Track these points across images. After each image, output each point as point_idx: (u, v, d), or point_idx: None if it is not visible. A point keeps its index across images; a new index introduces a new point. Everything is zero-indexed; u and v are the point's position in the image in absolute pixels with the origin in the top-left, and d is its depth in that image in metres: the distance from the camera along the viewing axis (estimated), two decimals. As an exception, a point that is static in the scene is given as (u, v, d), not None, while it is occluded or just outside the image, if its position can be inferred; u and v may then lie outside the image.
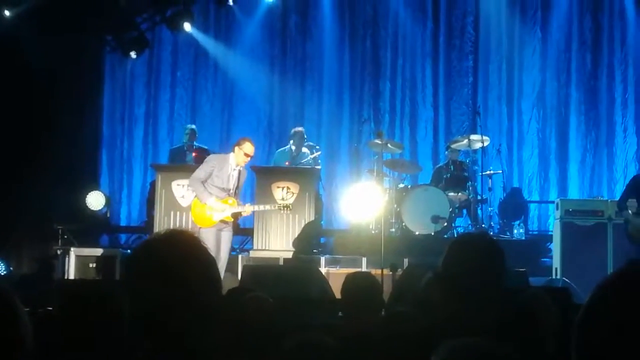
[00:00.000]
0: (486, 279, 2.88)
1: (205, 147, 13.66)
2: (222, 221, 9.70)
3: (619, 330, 1.49)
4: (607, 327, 1.53)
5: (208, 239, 9.34)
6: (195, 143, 13.46)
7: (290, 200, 11.64)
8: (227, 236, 9.79)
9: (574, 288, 9.64)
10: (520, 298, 4.20)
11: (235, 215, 9.88)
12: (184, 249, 2.08)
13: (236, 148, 9.82)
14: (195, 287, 2.02)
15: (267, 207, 10.59)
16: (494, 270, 2.93)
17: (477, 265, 2.91)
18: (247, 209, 10.02)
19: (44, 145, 13.02)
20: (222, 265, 9.43)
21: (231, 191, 9.79)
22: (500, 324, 2.91)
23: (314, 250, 11.69)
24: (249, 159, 9.93)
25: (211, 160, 9.94)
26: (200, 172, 9.79)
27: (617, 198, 11.51)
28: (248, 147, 9.82)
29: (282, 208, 10.43)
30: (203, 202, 9.65)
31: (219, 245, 9.62)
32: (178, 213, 11.96)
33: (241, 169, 9.91)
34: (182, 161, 13.14)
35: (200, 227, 9.59)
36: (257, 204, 10.66)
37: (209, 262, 2.11)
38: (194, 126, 13.83)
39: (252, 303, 3.57)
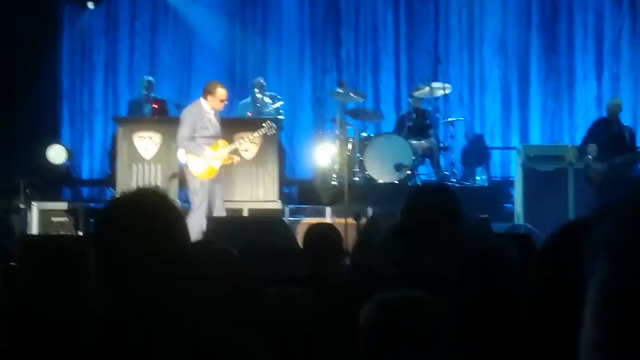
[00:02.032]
0: (443, 229, 2.91)
1: (164, 99, 13.58)
2: (223, 164, 9.83)
3: (568, 275, 1.52)
4: (558, 270, 1.56)
5: (204, 193, 9.61)
6: (152, 94, 13.37)
7: (254, 150, 11.62)
8: (220, 188, 9.95)
9: (536, 233, 9.76)
10: (480, 246, 4.26)
11: (232, 155, 9.91)
12: (152, 206, 2.09)
13: (209, 96, 9.78)
14: (162, 243, 2.03)
15: (256, 133, 10.55)
16: (451, 219, 2.96)
17: (433, 216, 2.94)
18: (241, 144, 10.08)
19: (2, 98, 12.85)
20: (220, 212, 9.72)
21: (217, 135, 9.87)
22: (459, 272, 2.94)
23: None
24: (225, 103, 10.01)
25: (188, 114, 9.90)
26: (184, 129, 9.75)
27: (578, 143, 11.63)
28: (222, 93, 9.84)
29: (268, 129, 10.43)
30: (200, 155, 9.67)
31: (214, 197, 9.76)
32: (140, 165, 11.89)
33: (215, 112, 9.92)
34: (141, 113, 13.06)
35: (203, 180, 9.66)
36: (245, 135, 10.61)
37: (177, 219, 2.12)
38: (150, 78, 13.74)
39: (215, 255, 3.58)
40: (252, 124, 11.72)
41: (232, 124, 11.98)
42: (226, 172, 11.61)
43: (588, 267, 0.68)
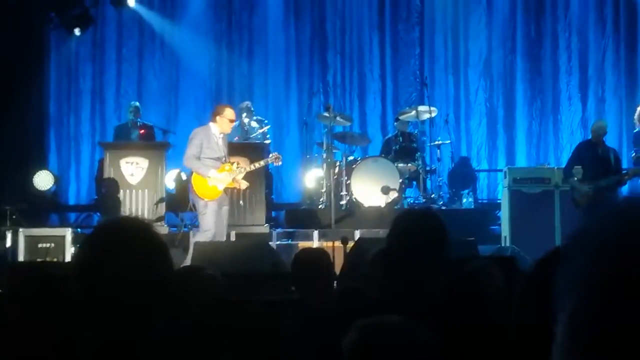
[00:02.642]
0: (429, 254, 2.93)
1: (151, 124, 13.59)
2: (226, 188, 9.85)
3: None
4: (545, 298, 1.58)
5: (211, 214, 9.58)
6: (139, 119, 13.38)
7: (241, 175, 11.62)
8: (226, 210, 9.98)
9: (523, 255, 9.79)
10: (464, 270, 4.28)
11: (237, 180, 9.94)
12: (133, 237, 2.09)
13: (217, 117, 9.81)
14: (143, 274, 2.03)
15: (262, 162, 10.58)
16: (437, 245, 2.98)
17: (419, 240, 2.95)
18: (249, 168, 10.13)
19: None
20: (221, 236, 9.78)
21: (224, 159, 9.87)
22: (443, 297, 2.96)
23: None
24: (233, 124, 10.10)
25: (197, 135, 9.92)
26: (192, 148, 9.77)
27: (564, 165, 11.69)
28: (230, 113, 9.94)
29: (274, 160, 10.48)
30: (205, 176, 9.66)
31: (221, 220, 9.80)
32: (127, 191, 11.89)
33: (224, 136, 9.95)
34: (128, 139, 13.06)
35: (207, 201, 9.64)
36: (251, 163, 10.64)
37: (160, 249, 2.12)
38: (137, 103, 13.74)
39: (202, 282, 3.58)
40: (239, 148, 11.74)
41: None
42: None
43: (556, 302, 0.70)
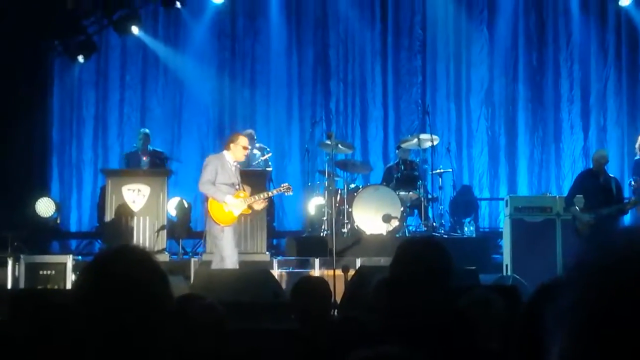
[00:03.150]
0: (433, 284, 2.92)
1: (161, 151, 13.59)
2: (241, 214, 9.84)
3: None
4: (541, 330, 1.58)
5: (228, 239, 9.59)
6: (149, 146, 13.37)
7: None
8: (237, 238, 10.03)
9: (524, 284, 9.77)
10: (465, 299, 4.27)
11: (251, 206, 9.94)
12: (132, 266, 2.09)
13: (231, 145, 9.85)
14: (146, 300, 2.03)
15: (274, 191, 10.61)
16: (441, 275, 2.97)
17: (423, 271, 2.94)
18: (261, 197, 10.09)
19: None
20: (235, 265, 9.67)
21: (237, 186, 9.87)
22: (442, 326, 2.95)
23: None
24: (247, 151, 10.14)
25: (211, 161, 9.97)
26: (207, 174, 9.79)
27: (565, 194, 11.68)
28: (244, 141, 9.97)
29: (286, 190, 10.47)
30: (221, 201, 9.65)
31: (235, 243, 9.80)
32: (129, 218, 11.89)
33: (237, 165, 9.98)
34: (137, 165, 13.01)
35: (224, 226, 9.63)
36: (252, 191, 10.63)
37: (159, 278, 2.12)
38: (147, 130, 13.69)
39: (202, 310, 3.58)
40: (240, 176, 11.75)
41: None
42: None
43: (548, 337, 0.69)
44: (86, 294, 2.05)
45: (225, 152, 9.92)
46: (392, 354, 2.16)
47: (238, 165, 10.01)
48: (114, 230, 11.82)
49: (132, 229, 11.79)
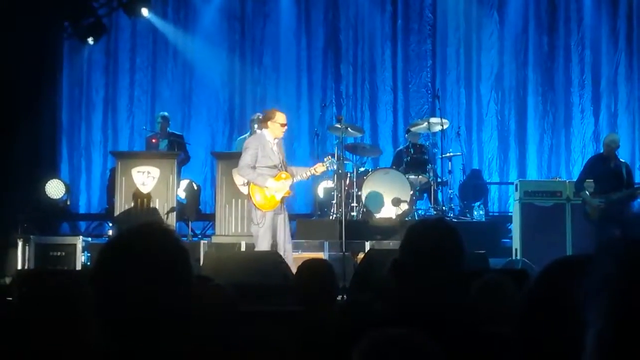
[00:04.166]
0: (443, 264, 2.91)
1: (180, 134, 13.58)
2: (284, 196, 9.49)
3: (558, 311, 1.53)
4: (548, 304, 1.57)
5: (268, 225, 9.25)
6: (168, 129, 13.36)
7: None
8: (283, 219, 9.52)
9: (533, 268, 9.76)
10: (478, 283, 4.26)
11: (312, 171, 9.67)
12: (156, 244, 2.08)
13: (269, 123, 9.47)
14: (165, 282, 2.03)
15: (318, 166, 9.91)
16: (451, 255, 2.95)
17: (433, 251, 2.93)
18: (303, 176, 9.79)
19: (2, 134, 12.88)
20: (288, 249, 9.36)
21: (280, 165, 9.51)
22: (457, 309, 2.95)
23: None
24: (285, 128, 9.63)
25: (251, 143, 9.60)
26: (246, 157, 9.44)
27: (575, 179, 11.66)
28: (281, 117, 9.53)
29: (330, 164, 10.17)
30: (262, 186, 9.34)
31: (276, 229, 9.42)
32: (139, 200, 11.90)
33: (278, 141, 9.62)
34: (156, 148, 13.00)
35: (265, 212, 9.33)
36: (307, 169, 10.24)
37: (182, 257, 2.11)
38: (166, 113, 13.67)
39: (211, 293, 3.58)
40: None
41: (230, 158, 12.02)
42: (223, 207, 11.65)
43: (586, 305, 0.69)
44: (108, 272, 2.05)
45: (264, 130, 9.57)
46: (403, 337, 2.16)
47: (279, 142, 9.61)
48: (124, 212, 11.84)
49: (141, 211, 11.81)
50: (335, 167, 10.46)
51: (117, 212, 11.96)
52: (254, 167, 9.40)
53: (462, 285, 3.16)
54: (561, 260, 1.68)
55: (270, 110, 9.89)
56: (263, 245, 9.23)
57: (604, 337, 0.66)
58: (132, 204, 11.84)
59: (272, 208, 9.35)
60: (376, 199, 11.97)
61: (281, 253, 9.11)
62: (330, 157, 10.25)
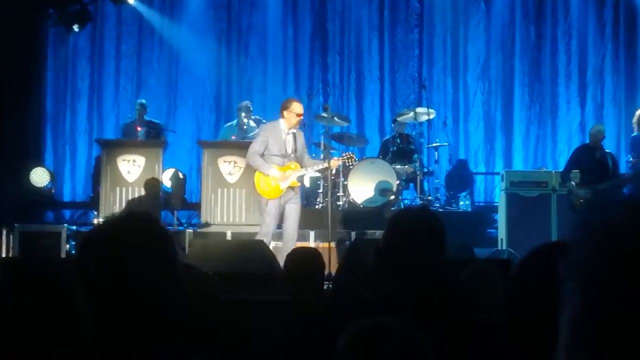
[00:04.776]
0: (426, 253, 2.90)
1: (156, 121, 13.54)
2: (290, 187, 9.44)
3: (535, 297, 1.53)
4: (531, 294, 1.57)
5: (270, 213, 9.27)
6: (145, 117, 13.32)
7: (238, 174, 11.61)
8: (293, 209, 9.50)
9: (519, 258, 9.76)
10: (465, 271, 4.26)
11: (302, 179, 9.68)
12: (141, 232, 2.06)
13: (285, 112, 9.44)
14: (151, 270, 2.01)
15: (334, 160, 9.93)
16: (434, 243, 2.95)
17: (416, 239, 2.92)
18: (314, 168, 9.82)
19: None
20: (291, 239, 9.31)
21: (292, 156, 9.46)
22: (439, 298, 2.94)
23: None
24: (301, 118, 9.57)
25: (263, 130, 9.67)
26: (256, 144, 9.49)
27: (561, 169, 11.68)
28: (297, 107, 9.49)
29: (348, 159, 10.17)
30: (266, 173, 9.35)
31: (281, 218, 9.42)
32: (124, 189, 11.87)
33: (295, 131, 9.54)
34: (134, 136, 12.98)
35: (268, 199, 9.34)
36: (321, 161, 10.18)
37: (167, 245, 2.10)
38: (143, 101, 13.65)
39: (195, 280, 3.56)
40: (235, 147, 11.74)
41: (216, 146, 11.99)
42: (209, 195, 11.61)
43: (563, 289, 0.68)
44: (92, 260, 2.03)
45: (280, 119, 9.52)
46: (390, 324, 2.15)
47: (297, 132, 9.56)
48: (109, 201, 11.79)
49: (126, 199, 11.76)
50: (351, 163, 10.45)
51: (102, 201, 11.91)
52: (262, 155, 9.41)
53: (446, 273, 3.15)
54: (543, 246, 1.67)
55: (287, 99, 9.90)
56: (265, 231, 9.25)
57: (576, 322, 0.65)
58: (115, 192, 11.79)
59: (275, 196, 9.36)
60: (362, 189, 11.96)
61: (285, 242, 9.13)
62: (351, 153, 10.24)
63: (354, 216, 11.75)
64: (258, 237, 9.33)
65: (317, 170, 10.21)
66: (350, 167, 11.94)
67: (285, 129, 9.46)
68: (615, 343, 0.61)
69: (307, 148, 9.95)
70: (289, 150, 9.47)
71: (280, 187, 9.37)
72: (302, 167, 9.55)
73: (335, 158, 10.07)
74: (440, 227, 2.97)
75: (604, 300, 0.62)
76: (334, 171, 12.02)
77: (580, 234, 0.68)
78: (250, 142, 11.94)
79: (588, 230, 0.67)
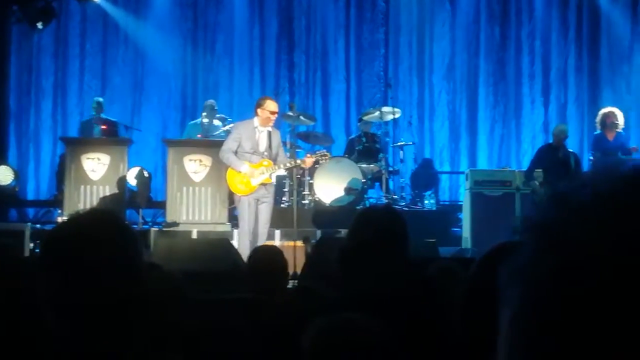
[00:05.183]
0: (389, 251, 2.92)
1: (114, 120, 13.49)
2: (263, 185, 9.46)
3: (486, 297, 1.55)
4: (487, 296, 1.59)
5: (244, 209, 9.31)
6: (102, 115, 13.28)
7: (203, 173, 11.57)
8: (265, 209, 9.55)
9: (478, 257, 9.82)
10: (429, 270, 4.29)
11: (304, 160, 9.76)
12: (104, 229, 2.06)
13: (259, 110, 9.51)
14: (116, 267, 2.01)
15: (308, 158, 10.06)
16: (396, 242, 2.97)
17: (378, 238, 2.94)
18: (287, 166, 9.86)
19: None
20: (260, 237, 9.32)
21: (265, 154, 9.50)
22: (404, 296, 2.96)
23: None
24: (275, 116, 9.63)
25: (236, 128, 9.76)
26: (229, 142, 9.55)
27: (525, 168, 11.78)
28: (271, 105, 9.56)
29: (321, 157, 10.21)
30: (237, 170, 9.39)
31: (256, 216, 9.43)
32: (88, 187, 11.79)
33: (270, 129, 9.60)
34: (91, 134, 12.96)
35: (241, 196, 9.39)
36: (290, 159, 10.21)
37: (131, 242, 2.09)
38: (101, 99, 13.64)
39: (160, 279, 3.55)
40: (201, 146, 11.72)
41: (181, 145, 11.95)
42: (174, 194, 11.57)
43: (502, 295, 0.68)
44: (56, 258, 2.02)
45: (254, 118, 9.57)
46: (349, 323, 2.17)
47: (272, 130, 9.62)
48: (73, 199, 11.71)
49: (91, 198, 11.69)
50: (324, 161, 10.51)
51: (66, 200, 11.83)
52: (235, 152, 9.46)
53: (409, 271, 3.18)
54: (500, 245, 1.70)
55: (262, 97, 10.03)
56: (242, 230, 9.33)
57: (515, 324, 0.65)
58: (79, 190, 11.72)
59: (247, 193, 9.41)
60: (328, 188, 11.98)
61: (253, 241, 9.15)
62: (325, 152, 10.30)
63: (320, 215, 11.77)
64: (238, 237, 9.39)
65: (289, 168, 10.23)
66: (316, 166, 11.95)
67: (258, 126, 9.52)
68: (553, 345, 0.62)
69: (285, 143, 10.01)
70: (262, 148, 9.53)
71: (252, 183, 9.41)
72: (276, 164, 9.58)
73: (310, 156, 10.15)
74: (403, 225, 3.00)
75: (542, 303, 0.63)
76: (299, 170, 12.06)
77: (524, 233, 0.69)
78: (216, 141, 11.98)
79: (530, 230, 0.68)
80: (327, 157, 10.48)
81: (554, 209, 0.67)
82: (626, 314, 0.59)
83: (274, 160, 9.59)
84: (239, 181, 9.45)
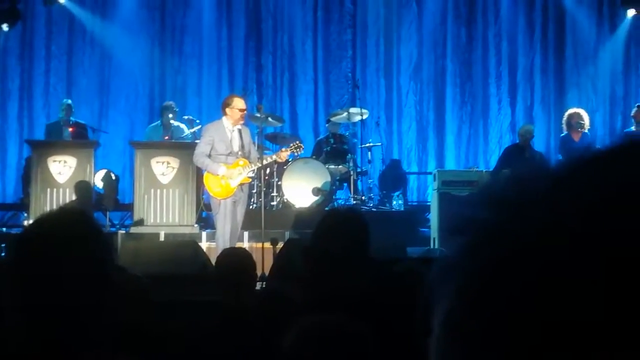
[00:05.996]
0: (350, 252, 2.94)
1: (83, 122, 13.39)
2: (242, 184, 9.39)
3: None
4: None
5: (223, 212, 9.19)
6: (71, 118, 13.17)
7: (171, 175, 11.53)
8: (239, 211, 9.50)
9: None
10: (395, 270, 4.30)
11: (279, 154, 9.71)
12: (75, 228, 2.05)
13: (227, 109, 9.41)
14: (86, 266, 2.00)
15: (282, 152, 10.05)
16: (358, 243, 2.99)
17: (340, 240, 2.96)
18: (264, 162, 9.79)
19: None
20: (232, 239, 9.27)
21: (239, 153, 9.42)
22: (369, 296, 2.97)
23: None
24: (244, 113, 9.55)
25: (207, 131, 9.58)
26: (202, 145, 9.41)
27: (492, 168, 11.85)
28: (239, 103, 9.48)
29: (296, 149, 10.12)
30: (215, 173, 9.26)
31: (234, 217, 9.37)
32: (55, 190, 11.71)
33: (240, 127, 9.52)
34: (59, 137, 12.83)
35: (221, 199, 9.26)
36: (269, 155, 10.19)
37: (102, 241, 2.09)
38: (69, 101, 13.51)
39: (125, 283, 3.54)
40: (168, 148, 11.68)
41: (148, 147, 11.89)
42: (142, 196, 11.52)
43: (433, 295, 0.67)
44: (25, 259, 2.00)
45: (223, 118, 9.48)
46: (331, 324, 2.17)
47: (243, 129, 9.55)
48: (39, 202, 11.62)
49: (57, 201, 11.61)
50: (299, 152, 10.50)
51: (32, 203, 11.74)
52: (209, 155, 9.34)
53: (371, 272, 3.19)
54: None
55: (228, 96, 9.92)
56: (222, 233, 9.18)
57: (448, 325, 0.64)
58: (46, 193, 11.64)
59: (227, 195, 9.31)
60: (296, 189, 11.98)
61: (224, 243, 9.09)
62: (298, 142, 10.25)
63: (288, 216, 11.76)
64: (217, 239, 9.30)
65: (265, 165, 10.19)
66: (284, 167, 11.96)
67: (229, 126, 9.44)
68: (484, 347, 0.62)
69: (253, 143, 9.95)
70: (236, 148, 9.46)
71: (231, 185, 9.34)
72: (251, 162, 9.53)
73: (284, 149, 10.11)
74: (364, 227, 3.01)
75: (481, 295, 0.63)
76: (267, 171, 12.05)
77: (458, 230, 0.68)
78: (183, 143, 11.93)
79: (466, 226, 0.67)
80: (301, 148, 10.43)
81: (488, 205, 0.67)
82: (569, 300, 0.58)
83: (248, 158, 9.54)
84: (217, 184, 9.34)
